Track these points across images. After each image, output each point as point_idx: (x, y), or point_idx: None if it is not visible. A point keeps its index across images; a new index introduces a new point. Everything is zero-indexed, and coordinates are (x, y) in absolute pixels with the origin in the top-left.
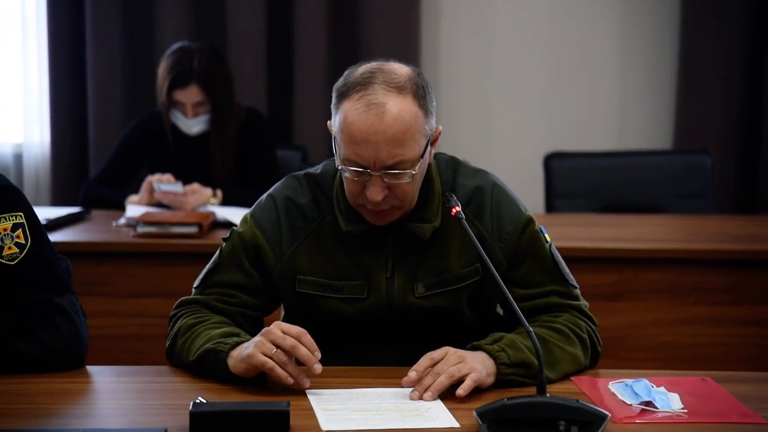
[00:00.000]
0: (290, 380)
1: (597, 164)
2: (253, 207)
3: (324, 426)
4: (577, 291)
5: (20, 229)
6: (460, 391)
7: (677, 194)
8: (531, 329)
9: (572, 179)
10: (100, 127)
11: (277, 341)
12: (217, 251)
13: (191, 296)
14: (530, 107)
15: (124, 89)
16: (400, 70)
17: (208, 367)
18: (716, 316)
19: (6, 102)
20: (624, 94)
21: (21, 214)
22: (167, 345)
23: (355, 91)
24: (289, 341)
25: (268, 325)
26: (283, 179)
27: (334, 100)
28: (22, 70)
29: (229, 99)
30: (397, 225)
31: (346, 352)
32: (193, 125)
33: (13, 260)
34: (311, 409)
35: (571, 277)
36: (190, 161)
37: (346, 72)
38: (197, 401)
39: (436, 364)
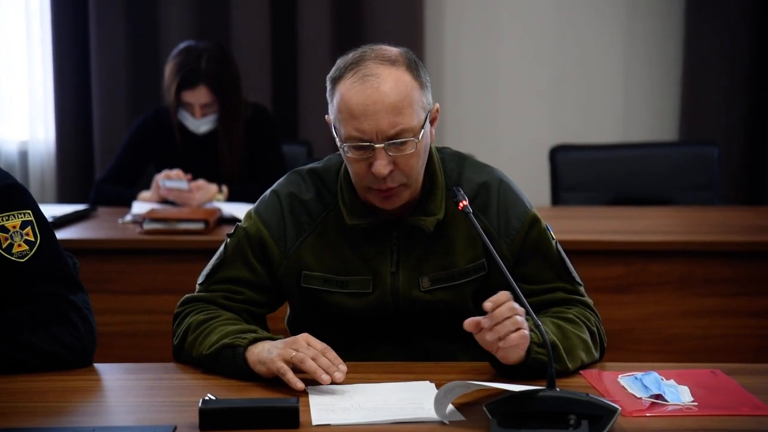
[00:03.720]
0: (300, 385)
1: (603, 157)
2: (256, 203)
3: (315, 420)
4: (582, 289)
5: (29, 227)
6: (503, 344)
7: (684, 186)
8: (540, 322)
9: (578, 172)
10: (105, 125)
11: (300, 350)
12: (222, 247)
13: (196, 293)
14: (536, 100)
15: (129, 86)
16: (390, 48)
17: (224, 362)
18: (724, 307)
19: (11, 100)
20: (629, 86)
21: (29, 211)
22: (175, 342)
23: (348, 70)
24: (311, 352)
25: (268, 327)
26: (287, 175)
27: (328, 88)
28: (27, 68)
29: (237, 98)
30: (401, 219)
31: (351, 348)
32: (201, 125)
33: (23, 258)
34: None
35: (576, 274)
36: (197, 159)
37: (337, 62)
38: (206, 398)
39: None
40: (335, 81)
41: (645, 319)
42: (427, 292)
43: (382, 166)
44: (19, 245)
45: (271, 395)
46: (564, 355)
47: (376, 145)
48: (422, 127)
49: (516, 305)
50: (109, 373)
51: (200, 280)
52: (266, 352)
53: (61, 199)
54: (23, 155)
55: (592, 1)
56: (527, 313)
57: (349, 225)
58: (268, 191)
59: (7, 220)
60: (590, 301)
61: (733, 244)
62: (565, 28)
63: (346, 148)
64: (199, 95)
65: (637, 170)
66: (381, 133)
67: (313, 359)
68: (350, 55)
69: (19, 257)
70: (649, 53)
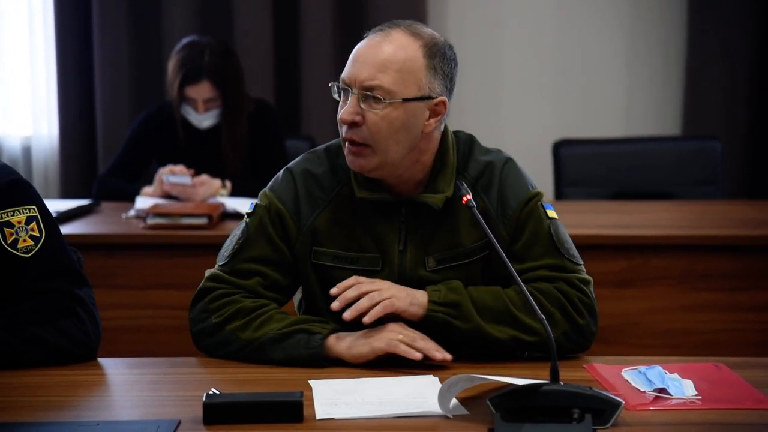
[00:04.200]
0: (418, 355)
1: (606, 151)
2: (270, 182)
3: (319, 414)
4: (575, 265)
5: (34, 222)
6: (366, 318)
7: (687, 180)
8: (538, 310)
9: (581, 166)
10: (108, 119)
11: (405, 332)
12: (242, 226)
13: (225, 274)
14: (539, 95)
15: (132, 81)
16: (427, 29)
17: (293, 344)
18: (726, 301)
19: (14, 95)
20: (632, 81)
21: (34, 207)
22: (215, 319)
23: (379, 27)
24: (410, 334)
25: None
26: (303, 155)
27: None
28: (30, 63)
29: (240, 93)
30: (410, 197)
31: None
32: (204, 120)
33: (28, 253)
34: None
35: (572, 251)
36: (200, 154)
37: None
38: (210, 392)
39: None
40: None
41: (646, 313)
42: (434, 272)
43: (347, 112)
44: (25, 240)
45: (274, 389)
46: (474, 313)
47: (352, 92)
48: (405, 99)
49: (363, 283)
50: (113, 367)
51: (223, 260)
52: (359, 339)
53: (65, 194)
54: (26, 150)
55: None
56: (520, 291)
57: (359, 197)
58: (282, 170)
59: (12, 215)
60: (577, 277)
61: (735, 239)
62: (568, 23)
63: (334, 86)
64: (202, 90)
65: (640, 165)
66: (359, 81)
67: (413, 341)
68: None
69: (24, 252)
70: (652, 47)
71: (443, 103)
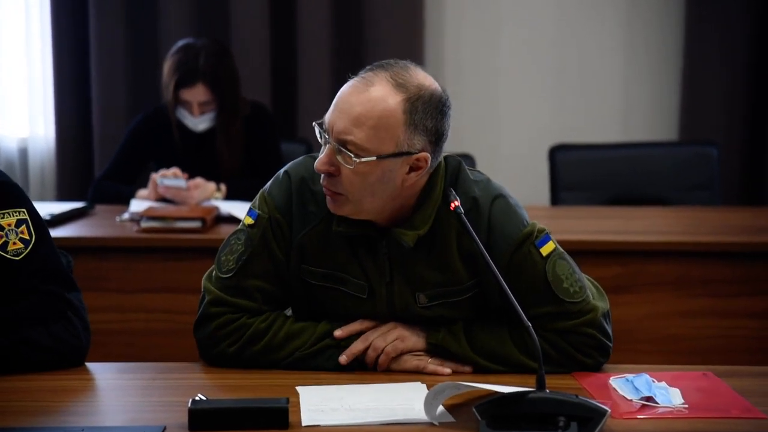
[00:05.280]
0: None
1: (602, 156)
2: (269, 184)
3: (305, 421)
4: (577, 304)
5: (24, 225)
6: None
7: (683, 186)
8: (534, 333)
9: (578, 171)
10: (105, 122)
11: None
12: (244, 237)
13: (229, 295)
14: (535, 99)
15: (128, 83)
16: (420, 77)
17: (325, 358)
18: (722, 308)
19: (11, 97)
20: (629, 86)
21: (24, 210)
22: (231, 350)
23: (369, 68)
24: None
25: None
26: (302, 158)
27: None
28: (27, 64)
29: (235, 96)
30: (387, 229)
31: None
32: (199, 123)
33: (18, 256)
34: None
35: (573, 287)
36: (196, 157)
37: None
38: (196, 398)
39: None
40: None
41: (642, 319)
42: (426, 308)
43: (321, 162)
44: (14, 243)
45: (261, 395)
46: (473, 355)
47: (328, 140)
48: (380, 157)
49: (369, 331)
50: (102, 372)
51: (226, 272)
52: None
53: (61, 197)
54: (23, 152)
55: (592, 1)
56: (519, 321)
57: (334, 231)
58: (282, 171)
59: (2, 218)
60: (583, 318)
61: (731, 245)
62: (565, 28)
63: (316, 131)
64: (197, 93)
65: (636, 170)
66: (335, 131)
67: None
68: (389, 60)
69: (14, 255)
70: (649, 52)
71: (425, 159)
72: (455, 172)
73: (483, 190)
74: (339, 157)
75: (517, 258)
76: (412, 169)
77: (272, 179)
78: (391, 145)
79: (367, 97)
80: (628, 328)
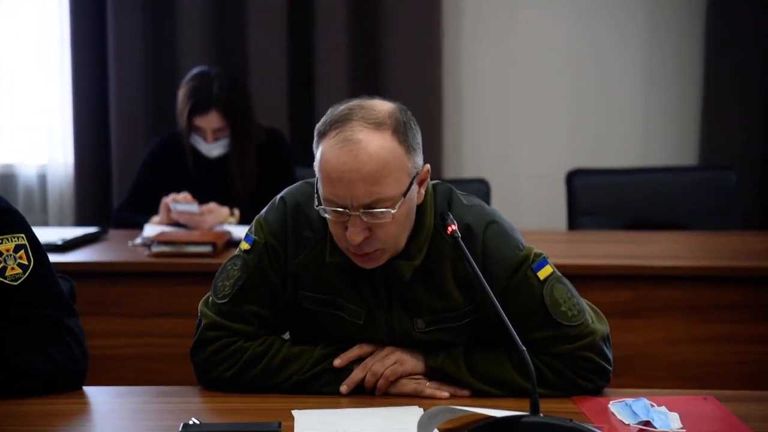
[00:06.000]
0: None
1: (620, 181)
2: (265, 210)
3: None
4: (575, 327)
5: (23, 250)
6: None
7: (701, 211)
8: (528, 358)
9: (595, 196)
10: (123, 148)
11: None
12: (241, 263)
13: (224, 319)
14: (553, 124)
15: (147, 111)
16: (381, 106)
17: (323, 383)
18: (733, 333)
19: (30, 124)
20: (648, 110)
21: (23, 235)
22: (227, 374)
23: (333, 128)
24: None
25: None
26: (299, 183)
27: (315, 140)
28: (46, 92)
29: (249, 123)
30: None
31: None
32: (213, 149)
33: (16, 281)
34: None
35: (572, 310)
36: (210, 182)
37: (328, 111)
38: (188, 423)
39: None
40: (320, 136)
41: (652, 344)
42: (424, 333)
43: (355, 234)
44: (13, 268)
45: (256, 419)
46: (472, 380)
47: (351, 213)
48: (404, 194)
49: (368, 358)
50: (97, 396)
51: (222, 297)
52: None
53: (80, 222)
54: (42, 179)
55: (612, 25)
56: (515, 346)
57: (327, 262)
58: (278, 198)
59: (1, 243)
60: (582, 341)
61: (742, 270)
62: (584, 52)
63: (323, 209)
64: (210, 120)
65: (654, 195)
66: (356, 201)
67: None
68: (339, 110)
69: (12, 280)
70: (668, 77)
71: (426, 170)
72: (446, 198)
73: (476, 216)
74: (367, 218)
75: (514, 282)
76: (420, 186)
77: (268, 205)
78: (406, 178)
79: (364, 153)
80: (638, 353)
